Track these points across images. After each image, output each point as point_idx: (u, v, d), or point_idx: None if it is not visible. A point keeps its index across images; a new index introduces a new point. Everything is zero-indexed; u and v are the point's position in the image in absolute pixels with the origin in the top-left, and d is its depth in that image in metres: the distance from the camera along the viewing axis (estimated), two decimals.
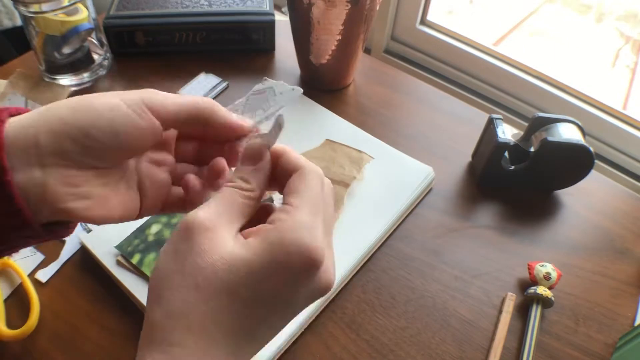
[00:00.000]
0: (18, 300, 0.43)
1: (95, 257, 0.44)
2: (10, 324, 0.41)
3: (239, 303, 0.23)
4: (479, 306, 0.45)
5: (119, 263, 0.44)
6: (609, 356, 0.42)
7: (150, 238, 0.45)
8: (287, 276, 0.24)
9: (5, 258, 0.44)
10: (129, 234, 0.45)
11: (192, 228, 0.23)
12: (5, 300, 0.42)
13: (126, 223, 0.45)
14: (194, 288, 0.23)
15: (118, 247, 0.44)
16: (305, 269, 0.24)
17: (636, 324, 0.44)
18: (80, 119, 0.25)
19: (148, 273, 0.42)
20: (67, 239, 0.47)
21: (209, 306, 0.23)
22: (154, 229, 0.46)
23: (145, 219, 0.46)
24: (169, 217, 0.46)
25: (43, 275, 0.44)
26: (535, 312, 0.43)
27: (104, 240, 0.45)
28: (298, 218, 0.24)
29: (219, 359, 0.23)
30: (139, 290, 0.42)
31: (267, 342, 0.25)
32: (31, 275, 0.44)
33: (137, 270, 0.43)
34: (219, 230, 0.24)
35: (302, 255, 0.23)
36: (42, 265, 0.45)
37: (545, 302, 0.43)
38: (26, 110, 0.26)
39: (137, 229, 0.46)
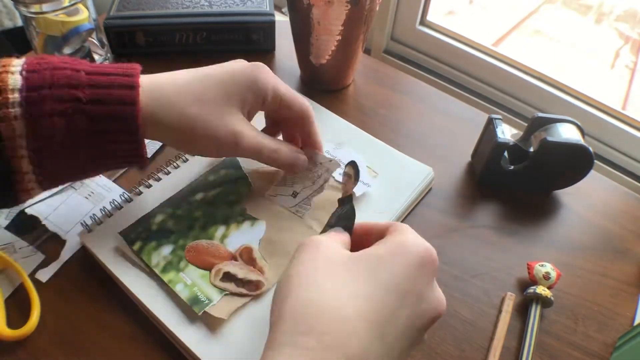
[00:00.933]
0: (18, 300, 0.43)
1: (95, 257, 0.44)
2: (10, 324, 0.41)
3: (374, 285, 0.27)
4: (479, 306, 0.45)
5: (117, 250, 0.44)
6: (609, 356, 0.42)
7: (154, 227, 0.45)
8: (410, 263, 0.28)
9: (6, 258, 0.44)
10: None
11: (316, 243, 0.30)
12: (6, 300, 0.43)
13: (130, 216, 0.45)
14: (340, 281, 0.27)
15: (121, 233, 0.44)
16: (424, 261, 0.29)
17: (635, 323, 0.44)
18: (184, 142, 0.39)
19: (147, 260, 0.42)
20: (67, 238, 0.47)
21: (355, 290, 0.27)
22: (158, 218, 0.46)
23: (150, 207, 0.46)
24: (173, 208, 0.46)
25: (43, 275, 0.44)
26: (535, 312, 0.43)
27: (104, 240, 0.45)
28: (410, 233, 0.31)
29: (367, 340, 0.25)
30: (139, 289, 0.42)
31: (393, 347, 0.27)
32: (31, 275, 0.45)
33: (136, 257, 0.43)
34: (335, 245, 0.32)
35: (420, 247, 0.29)
36: (42, 265, 0.45)
37: (544, 302, 0.44)
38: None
39: (142, 217, 0.46)
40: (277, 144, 0.41)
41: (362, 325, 0.25)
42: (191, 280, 0.41)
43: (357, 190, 0.49)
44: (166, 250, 0.43)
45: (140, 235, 0.44)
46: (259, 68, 0.39)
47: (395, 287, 0.27)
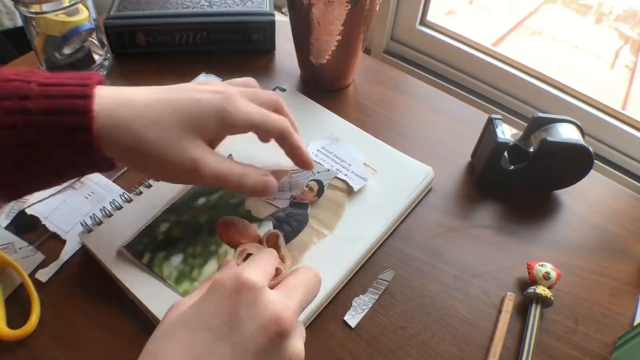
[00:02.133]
0: (19, 300, 0.43)
1: (95, 257, 0.44)
2: (10, 324, 0.41)
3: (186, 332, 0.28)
4: (479, 306, 0.45)
5: (119, 254, 0.44)
6: (608, 355, 0.42)
7: (160, 237, 0.45)
8: (220, 295, 0.29)
9: (6, 258, 0.44)
10: (130, 232, 0.45)
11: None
12: (6, 300, 0.43)
13: (130, 223, 0.45)
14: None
15: (127, 246, 0.44)
16: (230, 291, 0.29)
17: (635, 323, 0.44)
18: (142, 166, 0.37)
19: (158, 272, 0.42)
20: (67, 238, 0.47)
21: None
22: (163, 227, 0.45)
23: (152, 216, 0.46)
24: (177, 215, 0.46)
25: (43, 275, 0.45)
26: (535, 312, 0.43)
27: (104, 240, 0.45)
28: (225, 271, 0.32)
29: None
30: (139, 289, 0.42)
31: None
32: (31, 275, 0.45)
33: (148, 269, 0.43)
34: None
35: (224, 279, 0.29)
36: (42, 265, 0.45)
37: (544, 302, 0.44)
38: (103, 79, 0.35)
39: (146, 227, 0.45)
40: (243, 169, 0.38)
41: None
42: None
43: (355, 184, 0.50)
44: (176, 260, 0.43)
45: (148, 247, 0.44)
46: (229, 100, 0.37)
47: (203, 325, 0.28)
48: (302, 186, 0.49)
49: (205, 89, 0.38)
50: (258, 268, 0.30)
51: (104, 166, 0.36)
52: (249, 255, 0.42)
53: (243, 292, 0.28)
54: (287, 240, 0.45)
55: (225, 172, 0.37)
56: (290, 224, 0.46)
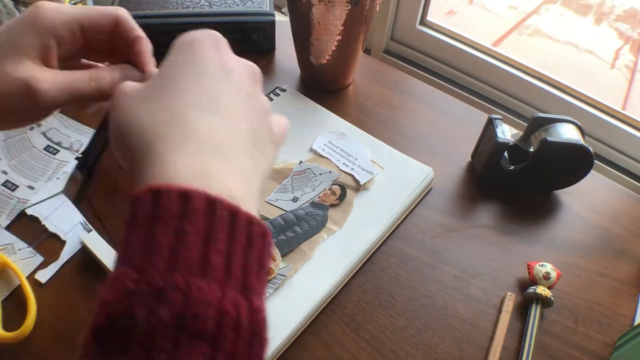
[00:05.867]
0: (16, 302, 0.43)
1: (95, 258, 0.44)
2: (8, 326, 0.41)
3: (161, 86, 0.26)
4: (479, 306, 0.45)
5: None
6: (609, 355, 0.42)
7: None
8: (200, 47, 0.27)
9: (5, 259, 0.44)
10: None
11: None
12: (3, 302, 0.43)
13: None
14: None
15: None
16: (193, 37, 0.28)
17: (635, 323, 0.44)
18: None
19: None
20: (67, 239, 0.47)
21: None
22: None
23: None
24: None
25: (43, 276, 0.44)
26: (535, 312, 0.43)
27: (104, 241, 0.45)
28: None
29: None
30: None
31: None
32: (30, 276, 0.44)
33: None
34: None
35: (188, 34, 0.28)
36: (41, 266, 0.45)
37: (544, 302, 0.44)
38: None
39: None
40: (89, 72, 0.32)
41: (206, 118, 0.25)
42: None
43: (361, 178, 0.51)
44: None
45: None
46: (36, 6, 0.31)
47: (174, 73, 0.27)
48: (305, 188, 0.50)
49: None
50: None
51: None
52: None
53: (221, 42, 0.28)
54: (304, 237, 0.46)
55: (69, 80, 0.31)
56: (309, 223, 0.47)
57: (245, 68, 0.29)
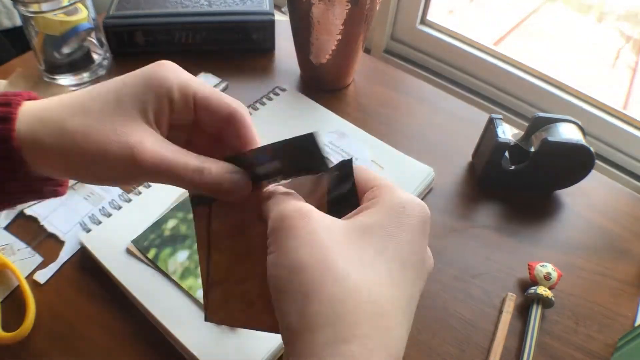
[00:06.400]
0: (15, 303, 0.42)
1: (94, 258, 0.44)
2: (7, 326, 0.41)
3: (384, 263, 0.24)
4: (479, 306, 0.44)
5: (129, 252, 0.44)
6: (609, 356, 0.42)
7: (167, 233, 0.45)
8: (414, 229, 0.27)
9: (3, 259, 0.44)
10: (130, 232, 0.45)
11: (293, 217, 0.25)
12: (2, 302, 0.42)
13: (138, 221, 0.45)
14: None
15: (134, 241, 0.44)
16: (424, 223, 0.27)
17: (636, 324, 0.44)
18: (68, 164, 0.28)
19: (163, 268, 0.42)
20: (66, 239, 0.47)
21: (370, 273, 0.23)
22: (171, 224, 0.46)
23: (161, 213, 0.46)
24: (185, 212, 0.46)
25: (42, 277, 0.44)
26: (536, 312, 0.43)
27: (103, 241, 0.45)
28: (399, 192, 0.28)
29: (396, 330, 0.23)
30: (138, 290, 0.42)
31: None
32: (30, 276, 0.44)
33: (152, 265, 0.43)
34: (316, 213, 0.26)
35: (417, 207, 0.27)
36: (40, 266, 0.45)
37: (545, 302, 0.43)
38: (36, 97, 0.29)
39: (154, 223, 0.46)
40: (201, 161, 0.29)
41: (396, 316, 0.23)
42: None
43: None
44: (182, 256, 0.43)
45: (154, 242, 0.44)
46: (159, 64, 0.30)
47: (408, 259, 0.25)
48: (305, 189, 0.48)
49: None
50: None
51: (39, 186, 0.29)
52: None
53: (428, 227, 0.27)
54: None
55: (173, 160, 0.28)
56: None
57: (430, 261, 0.28)
